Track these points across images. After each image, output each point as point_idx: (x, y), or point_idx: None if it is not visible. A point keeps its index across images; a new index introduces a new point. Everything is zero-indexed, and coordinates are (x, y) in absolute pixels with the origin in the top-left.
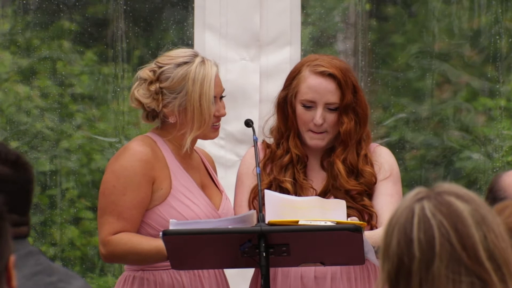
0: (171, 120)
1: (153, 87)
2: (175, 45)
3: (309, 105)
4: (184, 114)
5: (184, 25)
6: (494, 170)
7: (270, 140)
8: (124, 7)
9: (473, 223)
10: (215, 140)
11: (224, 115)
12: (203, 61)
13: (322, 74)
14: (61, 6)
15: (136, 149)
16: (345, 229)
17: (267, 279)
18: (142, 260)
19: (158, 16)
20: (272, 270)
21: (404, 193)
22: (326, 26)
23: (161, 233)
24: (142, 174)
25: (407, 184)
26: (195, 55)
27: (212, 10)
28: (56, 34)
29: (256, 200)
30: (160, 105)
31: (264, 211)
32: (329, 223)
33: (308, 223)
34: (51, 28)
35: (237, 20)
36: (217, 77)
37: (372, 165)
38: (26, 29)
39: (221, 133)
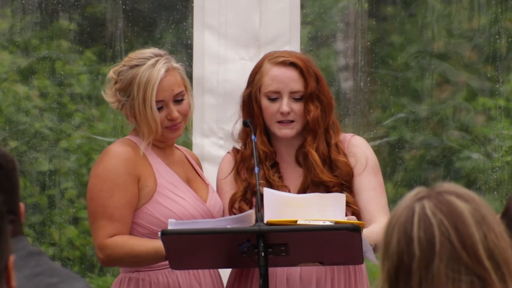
0: (131, 121)
1: (113, 87)
2: (174, 45)
3: (274, 97)
4: (135, 118)
5: (183, 25)
6: (494, 170)
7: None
8: (123, 7)
9: (473, 222)
10: (214, 139)
11: (175, 118)
12: (154, 63)
13: (283, 63)
14: (60, 5)
15: (117, 150)
16: (344, 228)
17: (266, 279)
18: (140, 261)
19: (157, 15)
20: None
21: (403, 194)
22: (325, 26)
23: (159, 233)
24: (126, 173)
25: (407, 184)
26: (151, 57)
27: (212, 10)
28: (55, 34)
29: (235, 208)
30: (120, 106)
31: (263, 209)
32: (327, 223)
33: (307, 222)
34: (50, 27)
35: (237, 20)
36: (165, 80)
37: (346, 156)
38: (25, 29)
39: (220, 132)
